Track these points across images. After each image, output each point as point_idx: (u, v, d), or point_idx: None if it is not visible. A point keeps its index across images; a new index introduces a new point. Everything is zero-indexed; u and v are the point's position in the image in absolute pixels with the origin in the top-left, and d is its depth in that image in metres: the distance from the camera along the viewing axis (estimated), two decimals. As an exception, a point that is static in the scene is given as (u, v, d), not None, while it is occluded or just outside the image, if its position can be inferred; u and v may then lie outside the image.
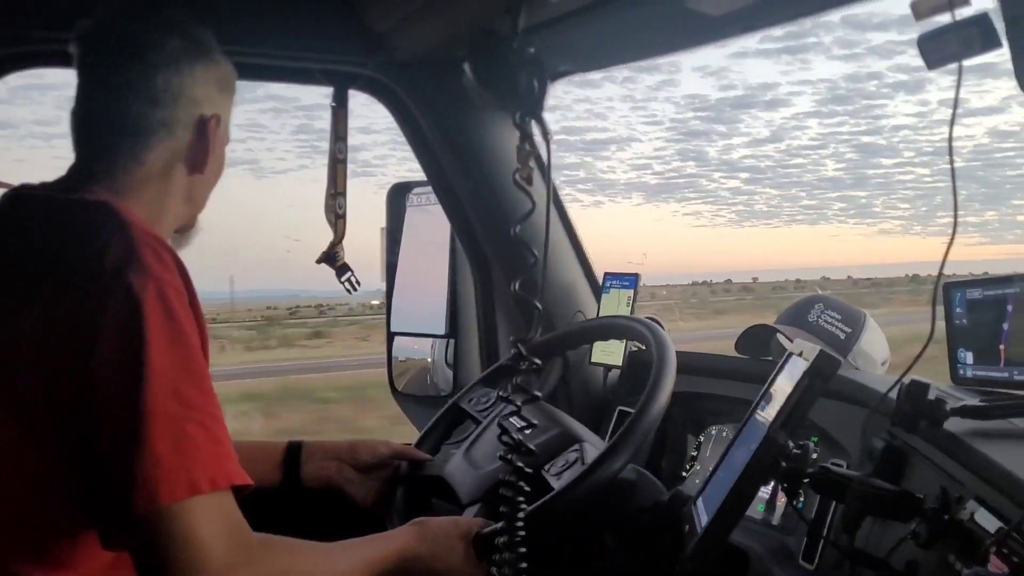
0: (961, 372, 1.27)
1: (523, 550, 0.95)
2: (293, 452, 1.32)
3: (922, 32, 1.12)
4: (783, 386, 1.06)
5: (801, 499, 1.23)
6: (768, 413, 1.05)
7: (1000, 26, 1.00)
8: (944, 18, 1.10)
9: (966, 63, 0.94)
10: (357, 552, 1.00)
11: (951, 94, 0.96)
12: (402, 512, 1.30)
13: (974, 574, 0.77)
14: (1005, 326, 1.20)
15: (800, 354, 1.06)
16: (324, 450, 1.34)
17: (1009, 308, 1.19)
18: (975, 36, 1.10)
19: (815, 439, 1.33)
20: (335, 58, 1.61)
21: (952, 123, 0.93)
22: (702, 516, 1.06)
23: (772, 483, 1.22)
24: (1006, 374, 1.19)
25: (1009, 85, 0.96)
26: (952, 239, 0.90)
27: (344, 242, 1.69)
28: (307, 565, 0.95)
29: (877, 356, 1.53)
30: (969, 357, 1.26)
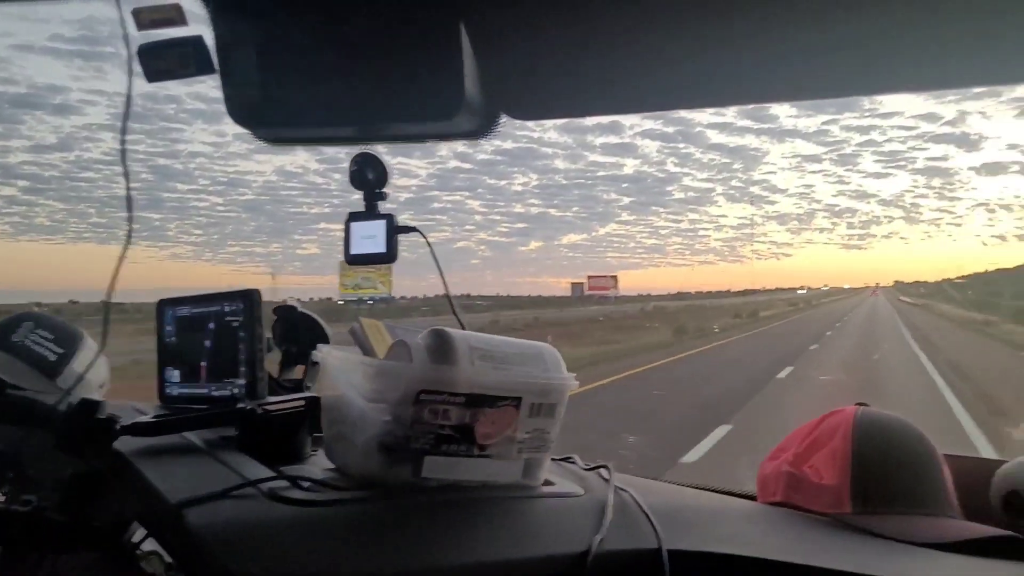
0: (168, 391, 1.27)
1: None
2: None
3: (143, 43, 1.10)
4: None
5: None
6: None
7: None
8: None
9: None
10: None
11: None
12: None
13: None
14: (207, 343, 1.24)
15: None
16: None
17: (211, 326, 1.23)
18: (191, 56, 1.11)
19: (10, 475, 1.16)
20: None
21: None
22: None
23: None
24: (205, 390, 1.22)
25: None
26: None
27: None
28: None
29: (94, 379, 1.43)
30: (176, 375, 1.27)
